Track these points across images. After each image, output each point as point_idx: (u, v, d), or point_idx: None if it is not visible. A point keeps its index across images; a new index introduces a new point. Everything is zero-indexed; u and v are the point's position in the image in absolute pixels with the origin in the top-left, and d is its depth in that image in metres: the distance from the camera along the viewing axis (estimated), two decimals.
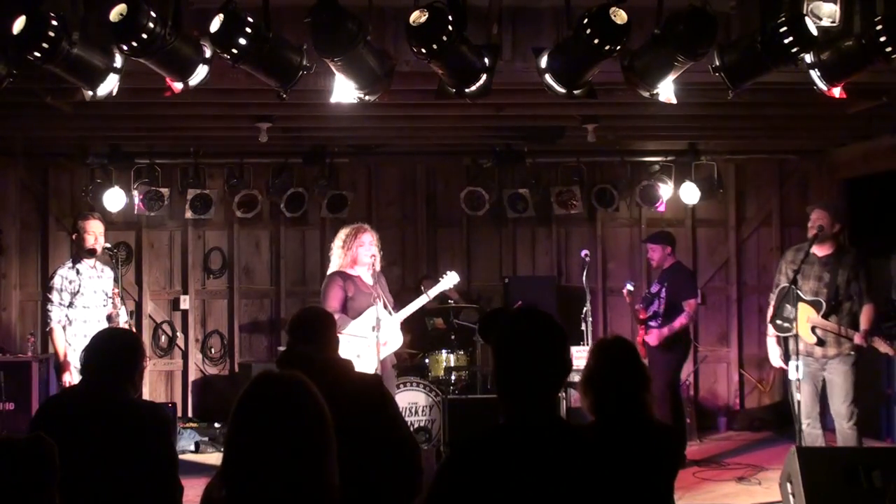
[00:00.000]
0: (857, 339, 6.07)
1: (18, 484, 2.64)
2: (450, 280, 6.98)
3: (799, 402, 6.15)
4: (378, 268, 6.44)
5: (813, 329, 6.21)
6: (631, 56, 4.66)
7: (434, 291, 6.95)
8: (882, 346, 6.06)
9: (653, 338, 7.48)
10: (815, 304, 6.22)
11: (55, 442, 2.79)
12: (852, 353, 6.17)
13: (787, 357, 6.34)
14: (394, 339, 6.49)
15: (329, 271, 6.56)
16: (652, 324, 7.58)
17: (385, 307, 6.41)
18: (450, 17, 4.17)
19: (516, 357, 2.47)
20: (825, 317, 6.18)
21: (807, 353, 6.25)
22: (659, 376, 7.57)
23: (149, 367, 8.75)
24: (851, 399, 6.13)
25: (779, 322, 6.35)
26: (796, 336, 6.13)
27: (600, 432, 3.43)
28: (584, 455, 2.41)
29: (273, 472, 2.24)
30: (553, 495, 2.31)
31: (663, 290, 7.60)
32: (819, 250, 6.29)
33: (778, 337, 6.45)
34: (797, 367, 6.09)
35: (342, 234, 6.56)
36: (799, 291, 6.21)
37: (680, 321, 7.44)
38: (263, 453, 2.25)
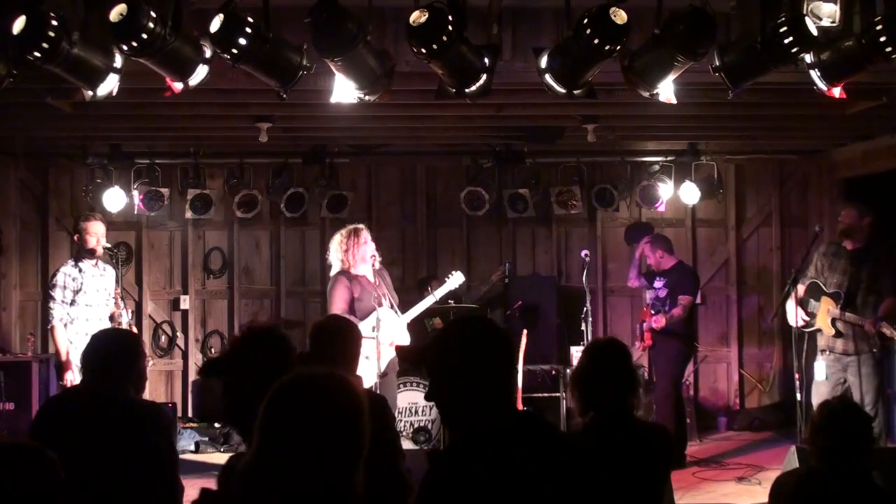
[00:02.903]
0: (867, 325, 6.07)
1: (23, 489, 2.62)
2: (456, 280, 7.18)
3: (804, 404, 6.15)
4: (377, 266, 6.51)
5: (833, 322, 6.21)
6: (631, 56, 4.66)
7: (440, 292, 7.08)
8: (888, 331, 6.05)
9: (658, 321, 7.50)
10: (835, 296, 6.26)
11: (56, 442, 2.79)
12: (875, 351, 6.16)
13: (812, 352, 6.32)
14: (400, 339, 6.58)
15: (332, 273, 6.61)
16: (656, 309, 7.66)
17: (392, 306, 6.50)
18: (450, 17, 4.17)
19: (472, 365, 2.44)
20: (843, 308, 6.18)
21: (829, 349, 6.25)
22: (664, 377, 7.62)
23: (149, 367, 8.73)
24: (875, 400, 6.12)
25: (805, 317, 6.38)
26: (819, 331, 6.16)
27: (588, 432, 3.45)
28: (570, 456, 2.40)
29: (297, 469, 2.19)
30: (537, 497, 2.30)
31: (665, 284, 7.70)
32: (849, 244, 6.35)
33: (798, 302, 6.42)
34: (821, 368, 6.12)
35: (339, 237, 6.62)
36: (823, 285, 6.24)
37: (676, 311, 7.49)
38: (288, 449, 2.20)
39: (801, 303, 6.38)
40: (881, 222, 6.72)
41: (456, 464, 2.36)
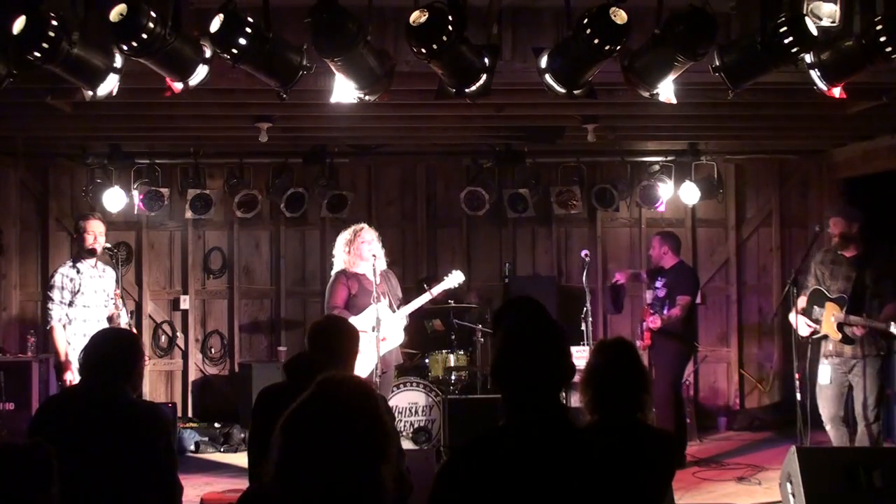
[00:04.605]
0: (894, 327, 5.94)
1: (17, 490, 2.63)
2: (454, 279, 7.17)
3: (806, 406, 6.13)
4: (383, 265, 6.61)
5: (839, 326, 6.18)
6: (631, 56, 4.66)
7: (437, 290, 7.10)
8: None
9: (655, 321, 7.48)
10: (840, 301, 6.21)
11: (54, 442, 2.79)
12: (882, 353, 6.15)
13: (816, 357, 6.31)
14: (394, 336, 6.63)
15: (333, 271, 6.71)
16: (655, 310, 7.64)
17: (389, 305, 6.57)
18: (450, 17, 4.17)
19: (518, 356, 2.47)
20: (849, 312, 6.16)
21: (836, 354, 6.22)
22: (663, 377, 7.61)
23: (149, 367, 8.76)
24: (878, 402, 6.11)
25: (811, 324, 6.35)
26: (825, 337, 6.14)
27: (596, 431, 3.45)
28: (582, 455, 2.41)
29: (328, 474, 2.22)
30: (551, 495, 2.31)
31: (665, 284, 7.68)
32: (847, 252, 6.31)
33: (801, 311, 6.39)
34: (826, 372, 6.11)
35: (343, 236, 6.78)
36: (826, 291, 6.23)
37: (674, 311, 7.47)
38: (318, 457, 2.24)
39: (805, 312, 6.36)
40: (875, 223, 6.69)
41: (464, 459, 2.40)
